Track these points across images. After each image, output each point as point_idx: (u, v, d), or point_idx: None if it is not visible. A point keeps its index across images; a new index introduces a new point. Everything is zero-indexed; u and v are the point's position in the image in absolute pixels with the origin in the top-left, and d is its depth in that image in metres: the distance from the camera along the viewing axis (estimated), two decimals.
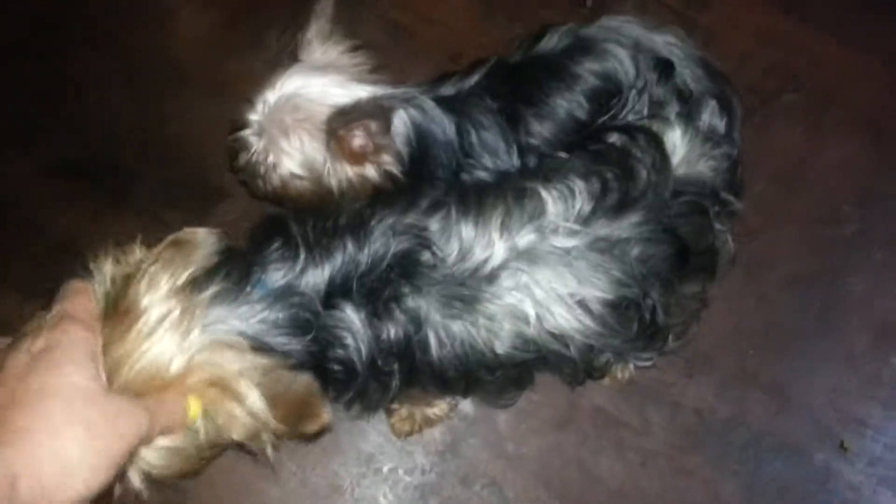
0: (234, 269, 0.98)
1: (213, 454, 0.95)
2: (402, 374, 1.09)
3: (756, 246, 1.80)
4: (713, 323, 1.69)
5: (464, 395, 1.28)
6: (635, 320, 1.11)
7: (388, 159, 1.37)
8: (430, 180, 1.45)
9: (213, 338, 0.90)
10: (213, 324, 0.92)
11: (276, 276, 1.01)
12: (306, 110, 1.36)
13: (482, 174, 1.47)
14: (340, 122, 1.31)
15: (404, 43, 2.05)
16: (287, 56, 1.53)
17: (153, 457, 0.88)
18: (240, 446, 0.94)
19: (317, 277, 1.02)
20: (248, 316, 0.95)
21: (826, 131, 1.94)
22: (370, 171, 1.39)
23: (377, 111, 1.30)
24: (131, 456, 0.82)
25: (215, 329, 0.92)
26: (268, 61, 1.95)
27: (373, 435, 1.74)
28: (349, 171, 1.37)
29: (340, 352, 1.03)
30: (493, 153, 1.45)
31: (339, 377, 1.05)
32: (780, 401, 1.73)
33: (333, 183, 1.38)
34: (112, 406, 0.78)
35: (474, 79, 1.50)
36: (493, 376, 1.10)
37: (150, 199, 1.96)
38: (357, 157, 1.36)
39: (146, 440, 0.82)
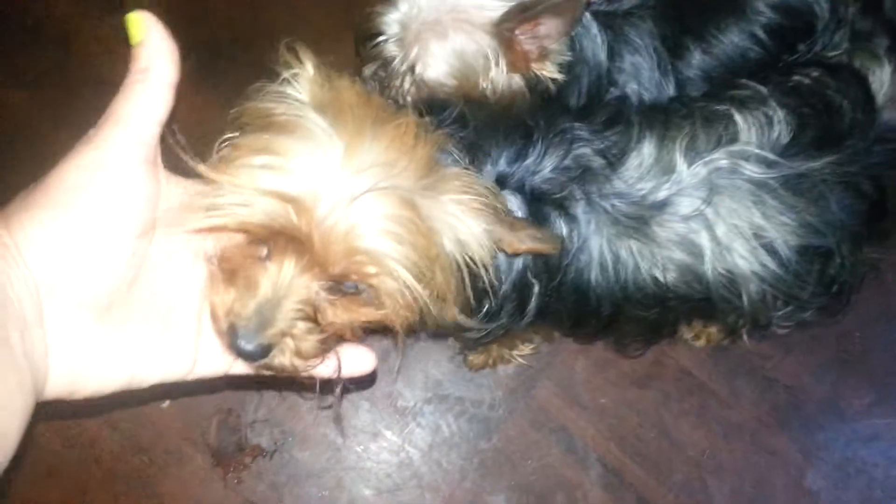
0: None
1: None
2: (545, 296, 0.97)
3: None
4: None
5: (593, 337, 1.15)
6: (817, 273, 0.99)
7: (552, 69, 1.21)
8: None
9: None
10: None
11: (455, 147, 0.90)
12: (465, 8, 1.19)
13: None
14: (518, 18, 1.14)
15: None
16: None
17: None
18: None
19: (488, 161, 0.92)
20: None
21: None
22: (518, 82, 1.23)
23: (565, 5, 1.11)
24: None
25: None
26: None
27: (444, 361, 1.63)
28: (513, 78, 1.21)
29: None
30: (643, 83, 1.29)
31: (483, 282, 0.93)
32: (879, 391, 1.62)
33: (487, 92, 1.22)
34: None
35: None
36: (646, 313, 0.99)
37: (235, 82, 1.83)
38: (521, 63, 1.20)
39: None
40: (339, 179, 0.70)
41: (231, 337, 0.72)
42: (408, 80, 1.24)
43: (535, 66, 1.21)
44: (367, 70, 1.30)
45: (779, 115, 0.96)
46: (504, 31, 1.17)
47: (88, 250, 0.60)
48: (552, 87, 1.23)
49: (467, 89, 1.23)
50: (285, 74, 0.80)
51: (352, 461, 1.57)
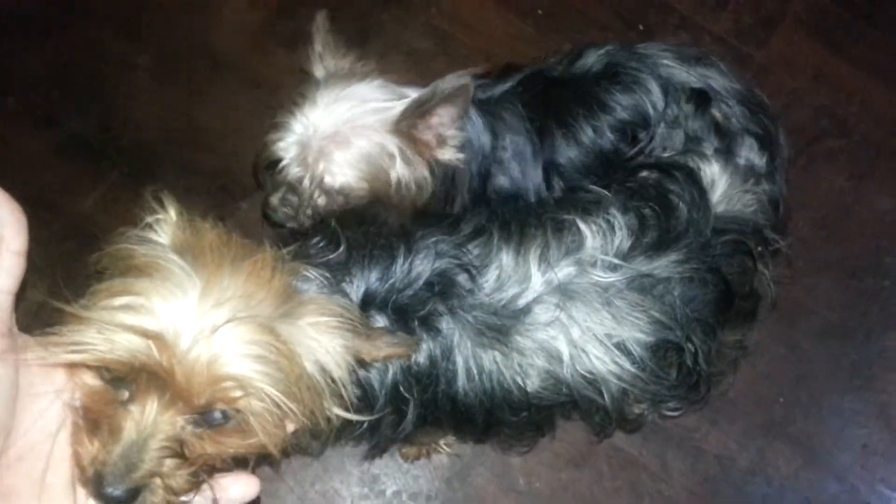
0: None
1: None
2: (420, 408, 1.03)
3: (792, 292, 1.73)
4: (742, 368, 1.62)
5: (479, 439, 1.21)
6: (674, 367, 1.04)
7: (452, 152, 1.30)
8: (455, 194, 1.38)
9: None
10: None
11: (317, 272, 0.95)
12: (359, 116, 1.28)
13: (505, 183, 1.41)
14: (416, 114, 1.24)
15: (448, 51, 1.99)
16: (299, 72, 1.42)
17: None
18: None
19: (355, 282, 0.97)
20: None
21: (871, 181, 1.88)
22: (423, 172, 1.32)
23: (457, 94, 1.21)
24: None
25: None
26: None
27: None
28: (417, 169, 1.30)
29: (362, 371, 0.95)
30: (522, 161, 1.38)
31: (355, 401, 0.98)
32: (805, 455, 1.66)
33: (392, 186, 1.30)
34: None
35: (507, 84, 1.44)
36: (517, 417, 1.04)
37: (170, 186, 1.89)
38: (424, 153, 1.29)
39: None
40: (198, 314, 0.74)
41: (97, 485, 0.72)
42: (317, 193, 1.31)
43: (437, 154, 1.30)
44: (275, 198, 1.37)
45: (619, 220, 1.03)
46: (404, 128, 1.26)
47: None
48: (460, 164, 1.32)
49: (377, 188, 1.31)
50: (148, 219, 0.85)
51: None
